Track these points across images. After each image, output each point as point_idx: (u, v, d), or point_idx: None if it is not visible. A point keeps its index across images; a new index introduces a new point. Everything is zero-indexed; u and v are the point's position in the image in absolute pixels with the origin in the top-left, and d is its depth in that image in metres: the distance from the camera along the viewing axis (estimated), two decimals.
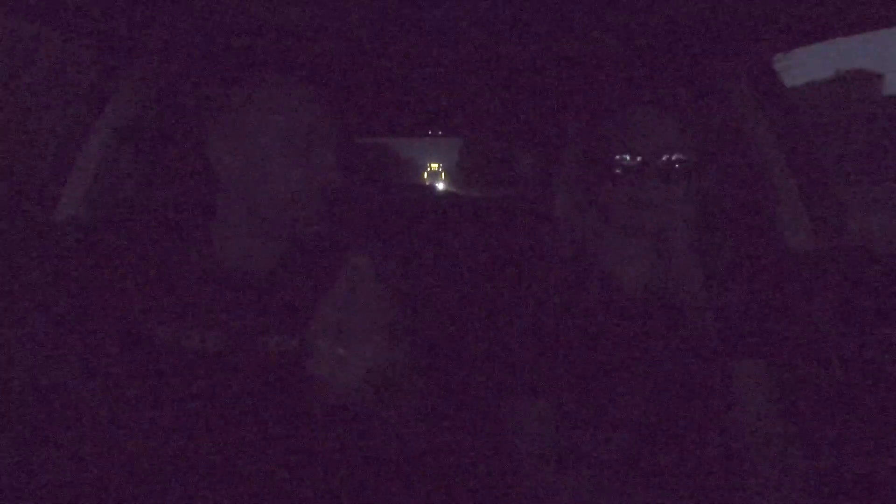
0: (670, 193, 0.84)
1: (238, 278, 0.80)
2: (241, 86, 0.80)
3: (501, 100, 1.81)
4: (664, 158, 0.83)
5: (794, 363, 1.05)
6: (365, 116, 2.17)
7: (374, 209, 2.01)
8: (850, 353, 1.04)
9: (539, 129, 2.39)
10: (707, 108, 1.36)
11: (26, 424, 0.75)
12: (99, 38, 1.14)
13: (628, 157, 0.84)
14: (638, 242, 0.91)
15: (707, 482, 0.86)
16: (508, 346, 0.89)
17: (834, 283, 1.09)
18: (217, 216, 0.83)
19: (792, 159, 1.20)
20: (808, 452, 0.92)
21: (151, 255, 0.81)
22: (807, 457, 0.89)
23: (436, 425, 0.82)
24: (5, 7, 1.00)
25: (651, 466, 0.86)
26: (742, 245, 1.25)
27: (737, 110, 1.25)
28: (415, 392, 0.74)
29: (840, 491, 0.96)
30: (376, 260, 0.61)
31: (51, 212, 1.16)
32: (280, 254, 0.83)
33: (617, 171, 0.85)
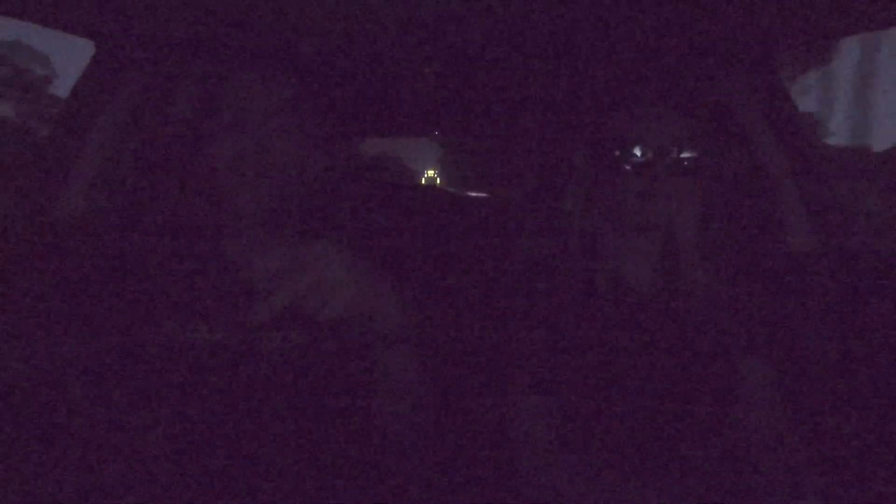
0: (679, 189, 0.86)
1: (242, 272, 0.80)
2: (235, 81, 0.81)
3: (505, 100, 1.81)
4: (673, 154, 0.85)
5: (796, 361, 1.05)
6: (361, 117, 2.17)
7: (375, 209, 2.01)
8: (850, 352, 1.04)
9: (544, 127, 2.39)
10: (708, 108, 1.35)
11: (27, 424, 0.75)
12: (99, 35, 1.14)
13: (638, 153, 0.85)
14: (646, 238, 0.92)
15: (709, 478, 0.87)
16: (515, 342, 0.89)
17: (834, 283, 1.09)
18: (222, 210, 0.83)
19: (792, 159, 1.20)
20: (810, 450, 0.92)
21: (153, 251, 0.81)
22: (809, 454, 0.89)
23: (438, 421, 0.82)
24: (5, 6, 1.00)
25: (654, 462, 0.86)
26: (743, 244, 1.25)
27: (738, 110, 1.25)
28: (419, 386, 0.74)
29: (842, 488, 0.96)
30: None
31: (51, 211, 1.16)
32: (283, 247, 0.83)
33: (626, 166, 0.86)
